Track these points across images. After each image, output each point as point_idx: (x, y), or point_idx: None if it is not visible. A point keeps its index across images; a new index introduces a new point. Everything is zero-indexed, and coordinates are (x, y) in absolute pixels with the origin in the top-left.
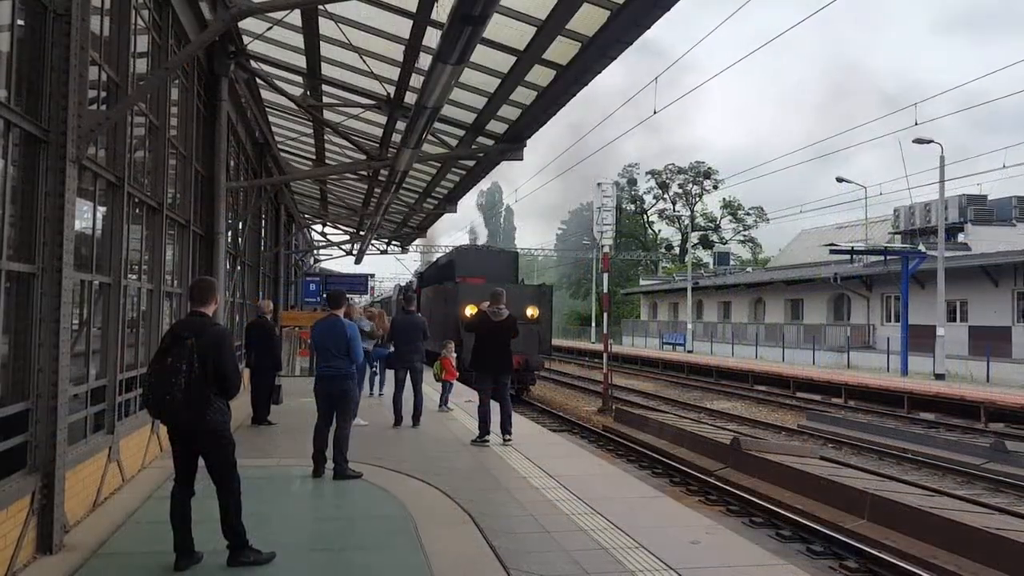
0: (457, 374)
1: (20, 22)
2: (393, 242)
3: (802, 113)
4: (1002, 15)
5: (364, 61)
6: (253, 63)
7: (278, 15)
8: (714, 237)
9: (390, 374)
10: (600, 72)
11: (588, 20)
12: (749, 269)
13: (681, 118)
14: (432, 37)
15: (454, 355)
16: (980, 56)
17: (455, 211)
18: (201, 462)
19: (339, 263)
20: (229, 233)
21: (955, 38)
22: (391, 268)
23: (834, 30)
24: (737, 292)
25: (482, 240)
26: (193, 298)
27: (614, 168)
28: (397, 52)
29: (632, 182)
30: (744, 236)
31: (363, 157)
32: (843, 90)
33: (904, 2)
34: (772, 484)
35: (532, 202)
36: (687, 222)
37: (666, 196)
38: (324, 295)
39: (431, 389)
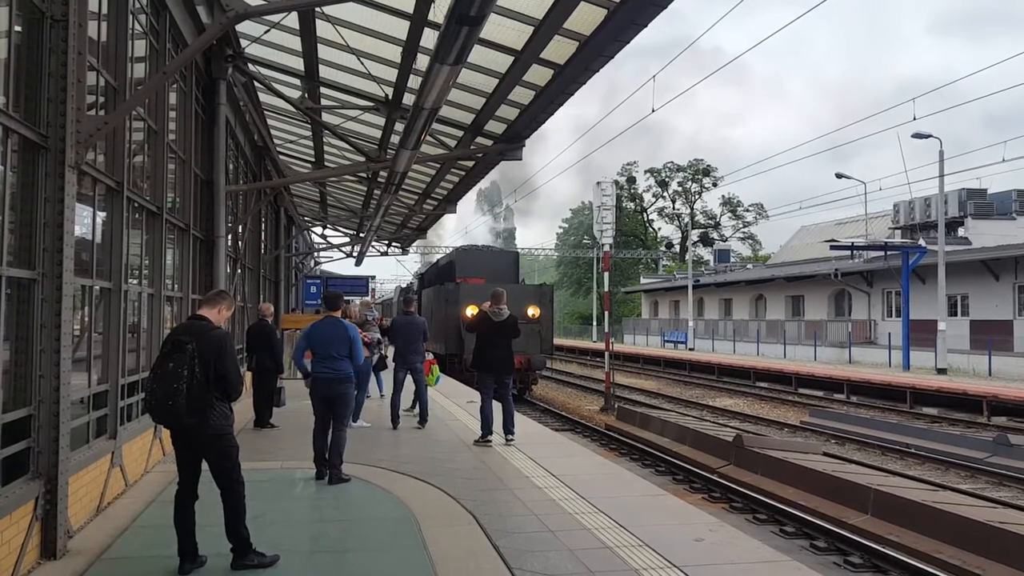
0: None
1: (18, 28)
2: (393, 243)
3: (815, 110)
4: (1000, 15)
5: (362, 63)
6: (251, 66)
7: (275, 18)
8: (714, 234)
9: (388, 375)
10: (598, 71)
11: (585, 19)
12: (749, 266)
13: (728, 117)
14: (429, 38)
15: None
16: (978, 55)
17: (455, 211)
18: (204, 466)
19: (339, 265)
20: (229, 236)
21: (954, 39)
22: (391, 270)
23: (845, 29)
24: (738, 289)
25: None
26: (203, 300)
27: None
28: (394, 54)
29: (631, 180)
30: (744, 233)
31: (362, 159)
32: (854, 89)
33: (907, 3)
34: (775, 481)
35: (533, 200)
36: (687, 220)
37: (665, 194)
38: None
39: (434, 390)
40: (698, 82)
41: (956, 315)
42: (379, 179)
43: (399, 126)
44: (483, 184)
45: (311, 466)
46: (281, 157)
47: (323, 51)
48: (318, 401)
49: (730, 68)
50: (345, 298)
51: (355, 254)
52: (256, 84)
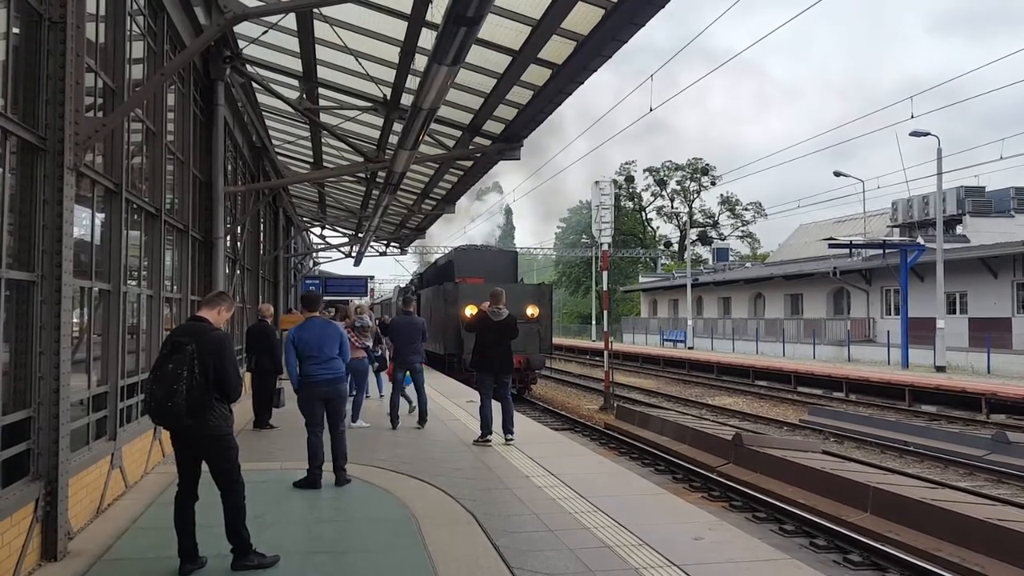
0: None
1: (15, 30)
2: (392, 243)
3: (822, 110)
4: (999, 14)
5: (360, 63)
6: (249, 67)
7: (273, 19)
8: (712, 233)
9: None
10: (595, 71)
11: (583, 19)
12: (748, 265)
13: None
14: (427, 39)
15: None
16: (978, 54)
17: (453, 211)
18: (204, 467)
19: (338, 265)
20: (228, 237)
21: (954, 38)
22: (390, 270)
23: (850, 29)
24: (737, 288)
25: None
26: (203, 301)
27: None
28: (392, 54)
29: (630, 179)
30: (743, 232)
31: (360, 159)
32: (858, 88)
33: (906, 3)
34: (774, 479)
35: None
36: (685, 219)
37: (664, 193)
38: (322, 300)
39: (434, 390)
40: (694, 82)
41: (955, 313)
42: (377, 179)
43: (397, 126)
44: (484, 183)
45: None
46: (279, 158)
47: (321, 52)
48: (318, 404)
49: (747, 70)
50: (346, 300)
51: (354, 254)
52: (254, 85)
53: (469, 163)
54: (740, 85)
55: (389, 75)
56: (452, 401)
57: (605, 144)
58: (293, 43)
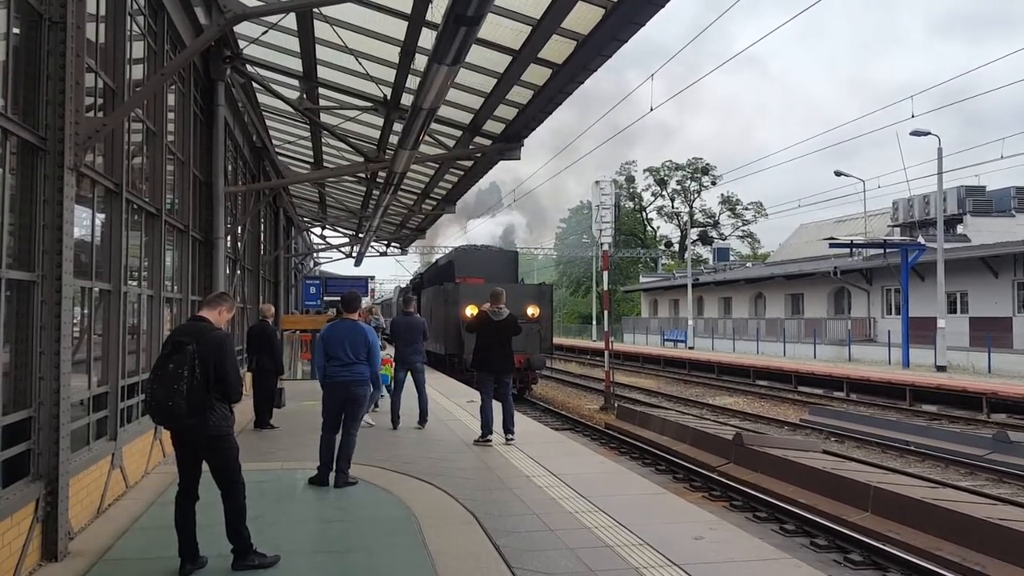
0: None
1: (16, 30)
2: (392, 244)
3: (831, 111)
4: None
5: (360, 63)
6: (249, 67)
7: (273, 19)
8: (713, 233)
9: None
10: (596, 70)
11: (583, 18)
12: (749, 264)
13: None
14: (427, 38)
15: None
16: (976, 53)
17: (454, 211)
18: (205, 466)
19: (339, 266)
20: (228, 238)
21: (955, 40)
22: (391, 270)
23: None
24: (737, 288)
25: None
26: (204, 301)
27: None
28: (393, 54)
29: (630, 179)
30: (743, 232)
31: (361, 159)
32: (863, 88)
33: (907, 4)
34: (775, 479)
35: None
36: (686, 219)
37: (664, 193)
38: (323, 300)
39: (435, 390)
40: (694, 82)
41: (955, 312)
42: (378, 179)
43: (398, 126)
44: (483, 185)
45: (311, 467)
46: (280, 158)
47: (321, 52)
48: (333, 406)
49: (760, 71)
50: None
51: (354, 254)
52: (255, 85)
53: (469, 163)
54: (753, 86)
55: (389, 75)
56: (452, 401)
57: (611, 145)
58: (293, 43)
